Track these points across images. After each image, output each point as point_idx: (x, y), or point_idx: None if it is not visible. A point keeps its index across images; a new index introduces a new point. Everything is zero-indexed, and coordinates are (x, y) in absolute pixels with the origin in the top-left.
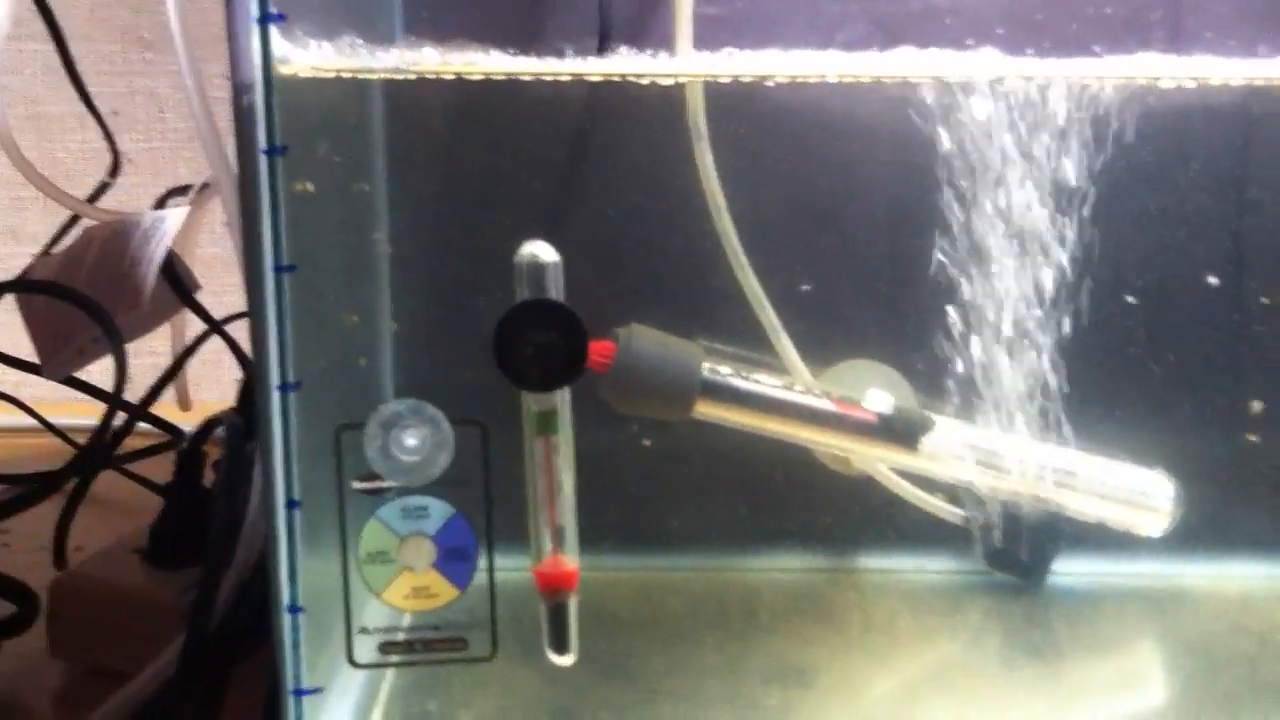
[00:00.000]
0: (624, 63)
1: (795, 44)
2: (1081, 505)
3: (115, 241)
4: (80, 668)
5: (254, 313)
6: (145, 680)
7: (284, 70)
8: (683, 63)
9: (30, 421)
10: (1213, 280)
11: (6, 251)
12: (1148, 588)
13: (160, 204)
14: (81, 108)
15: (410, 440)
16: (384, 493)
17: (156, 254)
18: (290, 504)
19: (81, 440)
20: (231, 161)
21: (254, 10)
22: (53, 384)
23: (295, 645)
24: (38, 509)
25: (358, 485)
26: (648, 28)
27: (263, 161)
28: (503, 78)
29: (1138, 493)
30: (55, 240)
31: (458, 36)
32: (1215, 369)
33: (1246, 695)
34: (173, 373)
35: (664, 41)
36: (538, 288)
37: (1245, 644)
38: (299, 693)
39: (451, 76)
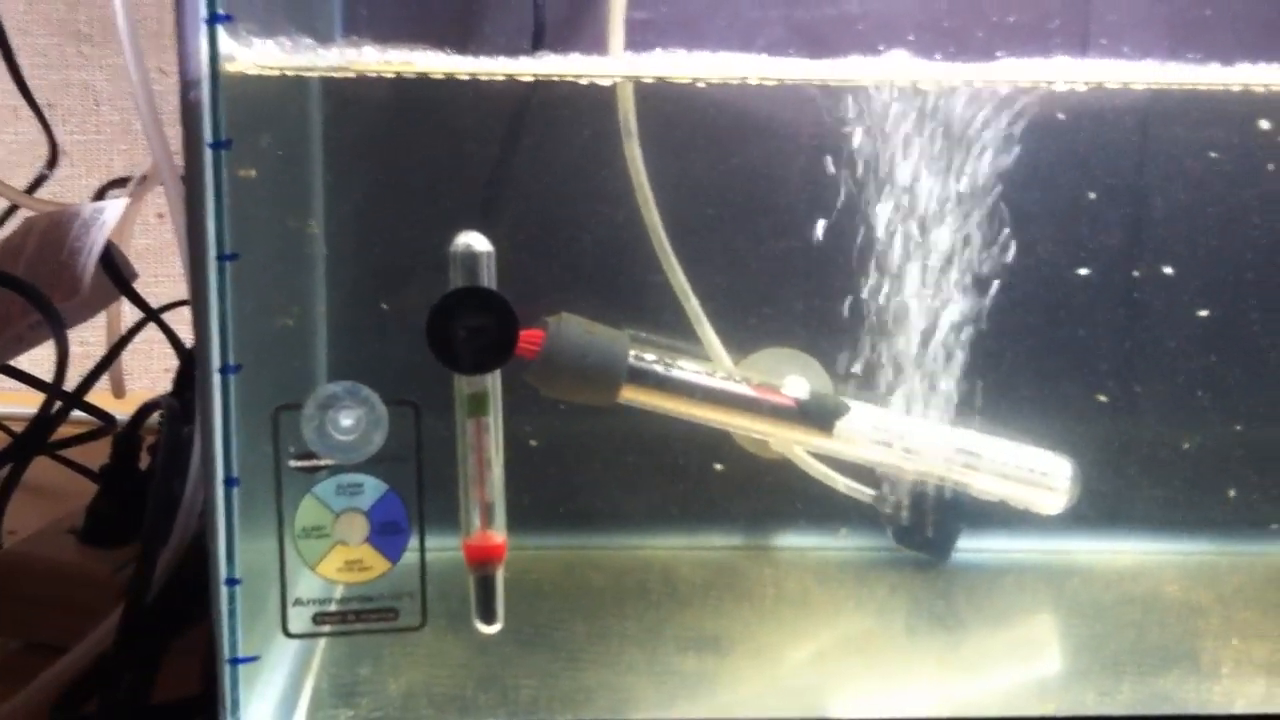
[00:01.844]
0: (557, 63)
1: (718, 47)
2: (985, 485)
3: (55, 231)
4: (18, 643)
5: (197, 299)
6: (83, 651)
7: (230, 68)
8: (614, 63)
9: None
10: (1138, 276)
11: None
12: (1045, 562)
13: (100, 195)
14: (15, 100)
15: (346, 420)
16: (320, 470)
17: (96, 244)
18: (229, 481)
19: (10, 427)
20: (175, 153)
21: (203, 11)
22: None
23: (232, 615)
24: None
25: (295, 463)
26: (580, 30)
27: (209, 155)
28: (440, 76)
29: (1038, 473)
30: None
31: (396, 36)
32: (1108, 357)
33: (1131, 657)
34: (109, 360)
35: (596, 43)
36: (471, 276)
37: (1132, 612)
38: (236, 661)
39: (391, 74)
